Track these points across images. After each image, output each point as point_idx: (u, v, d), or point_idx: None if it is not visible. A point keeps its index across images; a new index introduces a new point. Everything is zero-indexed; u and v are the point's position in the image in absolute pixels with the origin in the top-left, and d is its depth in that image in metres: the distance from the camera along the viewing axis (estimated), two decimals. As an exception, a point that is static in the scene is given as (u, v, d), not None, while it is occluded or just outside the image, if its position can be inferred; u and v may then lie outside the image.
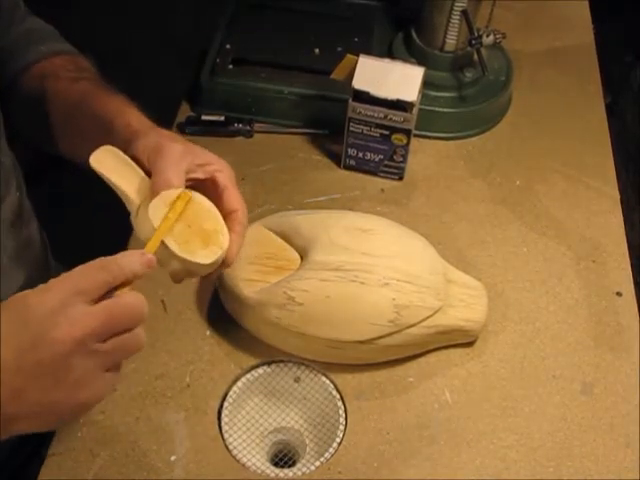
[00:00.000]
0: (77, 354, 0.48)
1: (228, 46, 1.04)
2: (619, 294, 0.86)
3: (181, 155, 0.63)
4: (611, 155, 1.02)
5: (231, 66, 1.02)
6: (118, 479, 0.70)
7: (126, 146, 0.64)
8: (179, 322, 0.81)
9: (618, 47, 1.80)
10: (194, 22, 1.46)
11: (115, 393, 0.75)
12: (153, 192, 0.61)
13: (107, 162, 0.63)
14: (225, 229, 0.62)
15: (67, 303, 0.48)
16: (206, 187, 0.65)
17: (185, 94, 1.04)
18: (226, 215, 0.64)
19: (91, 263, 0.51)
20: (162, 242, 0.58)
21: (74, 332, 0.48)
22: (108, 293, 0.51)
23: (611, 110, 1.13)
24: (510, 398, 0.77)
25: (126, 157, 0.64)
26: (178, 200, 0.60)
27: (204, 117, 1.00)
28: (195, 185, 0.65)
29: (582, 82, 1.11)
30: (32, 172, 0.90)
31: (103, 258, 0.51)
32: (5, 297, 0.49)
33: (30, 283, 0.50)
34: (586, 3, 1.25)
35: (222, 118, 1.00)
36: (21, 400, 0.48)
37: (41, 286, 0.49)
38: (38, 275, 0.79)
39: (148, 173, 0.63)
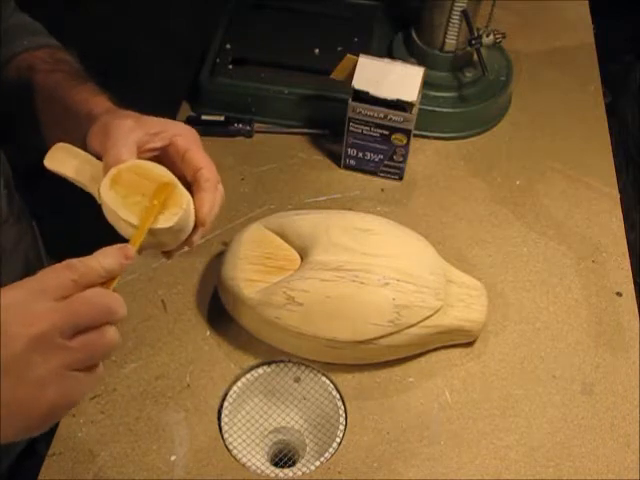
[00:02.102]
0: (37, 350, 0.47)
1: (228, 46, 1.04)
2: (619, 294, 0.86)
3: (129, 129, 0.61)
4: (611, 155, 1.02)
5: (231, 66, 1.02)
6: (118, 479, 0.70)
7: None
8: (179, 322, 0.81)
9: (618, 47, 1.80)
10: (194, 22, 1.46)
11: (115, 393, 0.75)
12: (104, 171, 0.59)
13: (61, 159, 0.63)
14: (183, 190, 0.60)
15: (28, 300, 0.48)
16: (170, 154, 0.63)
17: (185, 94, 1.04)
18: (192, 176, 0.62)
19: (57, 264, 0.50)
20: (122, 219, 0.57)
21: (31, 327, 0.47)
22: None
23: (611, 110, 1.13)
24: (510, 398, 0.77)
25: (78, 150, 0.63)
26: (130, 172, 0.59)
27: (204, 117, 1.00)
28: (157, 155, 0.63)
29: (582, 82, 1.11)
30: (29, 170, 0.90)
31: (74, 259, 0.50)
32: None
33: (22, 279, 0.50)
34: (586, 3, 1.25)
35: (222, 118, 1.00)
36: None
37: (13, 283, 0.49)
38: (30, 272, 0.79)
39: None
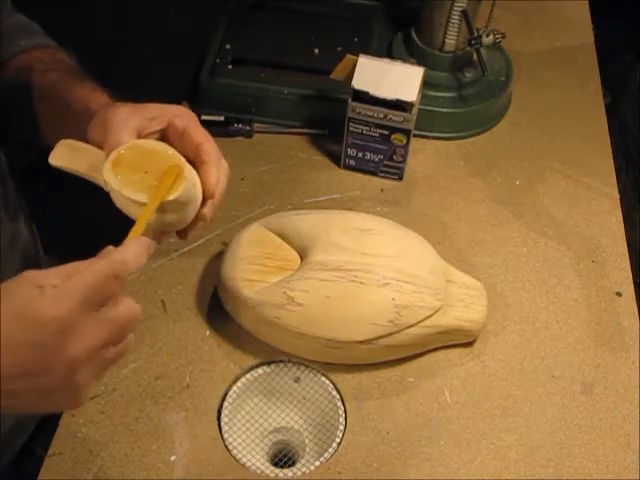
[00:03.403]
0: (84, 366, 0.48)
1: (228, 46, 1.04)
2: (619, 294, 0.86)
3: (127, 115, 0.62)
4: (611, 155, 1.02)
5: (231, 66, 1.02)
6: (118, 479, 0.70)
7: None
8: (179, 322, 0.81)
9: (618, 47, 1.80)
10: (194, 22, 1.46)
11: (115, 393, 0.75)
12: (106, 156, 0.60)
13: (65, 155, 0.63)
14: (184, 161, 0.61)
15: (78, 318, 0.48)
16: (170, 136, 0.64)
17: (185, 94, 1.04)
18: (194, 152, 0.63)
19: (102, 269, 0.49)
20: (128, 198, 0.58)
21: (85, 346, 0.48)
22: None
23: (611, 110, 1.13)
24: (510, 398, 0.77)
25: (82, 144, 0.63)
26: (131, 151, 0.59)
27: (204, 117, 1.00)
28: (158, 138, 0.64)
29: (582, 82, 1.11)
30: (28, 170, 0.90)
31: (114, 261, 0.50)
32: None
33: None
34: (586, 3, 1.25)
35: (222, 118, 1.00)
36: (15, 400, 0.48)
37: (50, 292, 0.47)
38: (27, 269, 0.79)
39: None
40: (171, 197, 0.58)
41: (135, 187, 0.58)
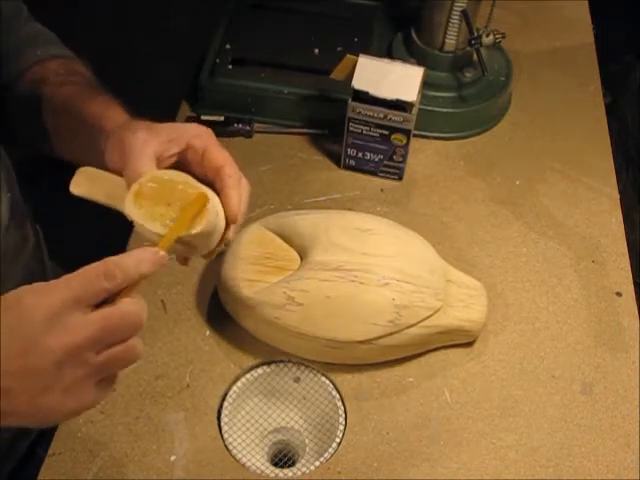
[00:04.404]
0: (68, 363, 0.47)
1: (228, 46, 1.04)
2: (619, 294, 0.86)
3: (144, 142, 0.61)
4: (611, 155, 1.02)
5: (231, 66, 1.02)
6: (118, 479, 0.70)
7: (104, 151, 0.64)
8: (179, 322, 0.81)
9: (618, 47, 1.80)
10: (194, 22, 1.46)
11: (115, 393, 0.75)
12: (127, 187, 0.59)
13: (85, 184, 0.63)
14: (205, 190, 0.60)
15: (63, 310, 0.47)
16: (189, 158, 0.63)
17: (185, 94, 1.04)
18: (214, 174, 0.62)
19: (94, 268, 0.49)
20: (150, 231, 0.57)
21: (67, 341, 0.47)
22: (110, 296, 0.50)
23: (611, 110, 1.13)
24: (510, 398, 0.77)
25: (102, 172, 0.63)
26: (151, 183, 0.58)
27: (204, 117, 1.00)
28: (178, 161, 0.63)
29: (582, 82, 1.11)
30: (30, 172, 0.90)
31: (108, 261, 0.49)
32: None
33: (24, 284, 0.49)
34: (586, 3, 1.25)
35: (222, 118, 1.00)
36: (9, 399, 0.47)
37: (39, 286, 0.48)
38: (33, 276, 0.79)
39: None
40: (194, 231, 0.58)
41: (159, 220, 0.57)
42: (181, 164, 0.63)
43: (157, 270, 0.52)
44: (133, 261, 0.50)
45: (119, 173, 0.62)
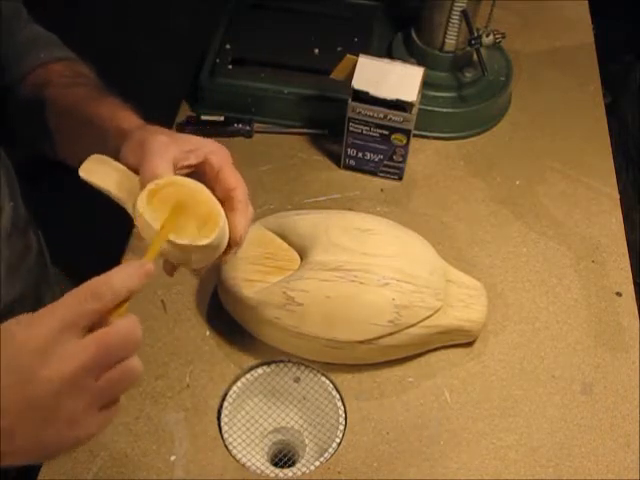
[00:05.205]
0: (67, 392, 0.46)
1: (228, 46, 1.04)
2: (619, 294, 0.86)
3: (165, 145, 0.61)
4: (611, 155, 1.02)
5: (231, 66, 1.02)
6: (118, 479, 0.70)
7: (118, 151, 0.64)
8: (179, 322, 0.81)
9: (618, 47, 1.80)
10: (194, 22, 1.46)
11: (115, 393, 0.75)
12: (141, 185, 0.59)
13: (96, 171, 0.62)
14: (219, 208, 0.60)
15: (56, 338, 0.46)
16: (202, 172, 0.64)
17: (185, 94, 1.04)
18: (225, 195, 0.63)
19: (81, 290, 0.48)
20: (154, 230, 0.57)
21: (63, 370, 0.46)
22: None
23: (611, 110, 1.13)
24: (510, 398, 0.77)
25: (115, 163, 0.63)
26: (168, 187, 0.58)
27: (204, 117, 1.00)
28: (191, 172, 0.63)
29: (582, 82, 1.11)
30: (32, 176, 0.90)
31: (93, 281, 0.48)
32: (3, 306, 0.48)
33: (28, 291, 0.48)
34: (586, 3, 1.25)
35: (222, 118, 1.00)
36: (10, 439, 0.46)
37: (26, 318, 0.47)
38: (36, 283, 0.78)
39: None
40: (203, 242, 0.58)
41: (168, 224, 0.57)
42: (194, 177, 0.63)
43: (146, 283, 0.50)
44: (119, 278, 0.49)
45: (134, 170, 0.62)
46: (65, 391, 0.46)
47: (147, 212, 0.57)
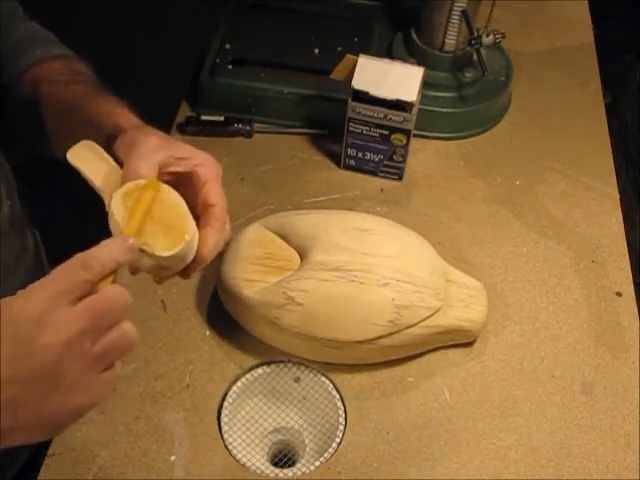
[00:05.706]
0: (67, 357, 0.47)
1: (228, 46, 1.04)
2: (619, 294, 0.86)
3: (155, 147, 0.61)
4: (611, 155, 1.02)
5: (231, 66, 1.02)
6: (118, 479, 0.70)
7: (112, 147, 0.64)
8: (179, 322, 0.81)
9: (618, 47, 1.80)
10: (194, 22, 1.46)
11: (115, 393, 0.75)
12: (122, 182, 0.59)
13: (84, 157, 0.62)
14: (192, 222, 0.60)
15: (50, 307, 0.47)
16: (188, 182, 0.63)
17: (185, 94, 1.04)
18: (204, 209, 0.62)
19: (71, 262, 0.49)
20: (121, 228, 0.57)
21: (61, 336, 0.47)
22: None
23: (611, 110, 1.13)
24: (510, 398, 0.77)
25: (105, 154, 0.63)
26: (146, 190, 0.58)
27: (204, 117, 1.00)
28: (177, 179, 0.63)
29: (582, 82, 1.11)
30: (29, 176, 0.90)
31: (82, 254, 0.50)
32: None
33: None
34: (586, 3, 1.25)
35: (222, 118, 1.00)
36: (17, 411, 0.47)
37: (21, 292, 0.49)
38: (32, 283, 0.78)
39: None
40: (164, 254, 0.57)
41: (135, 229, 0.57)
42: (178, 184, 0.62)
43: (132, 257, 0.52)
44: (105, 250, 0.51)
45: (121, 165, 0.62)
46: (64, 357, 0.47)
47: (119, 210, 0.57)
